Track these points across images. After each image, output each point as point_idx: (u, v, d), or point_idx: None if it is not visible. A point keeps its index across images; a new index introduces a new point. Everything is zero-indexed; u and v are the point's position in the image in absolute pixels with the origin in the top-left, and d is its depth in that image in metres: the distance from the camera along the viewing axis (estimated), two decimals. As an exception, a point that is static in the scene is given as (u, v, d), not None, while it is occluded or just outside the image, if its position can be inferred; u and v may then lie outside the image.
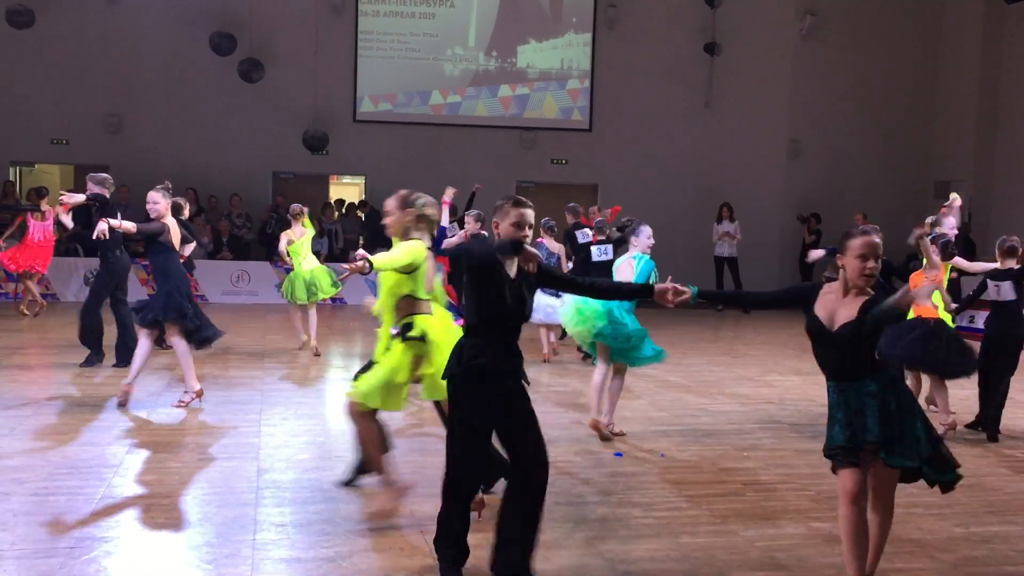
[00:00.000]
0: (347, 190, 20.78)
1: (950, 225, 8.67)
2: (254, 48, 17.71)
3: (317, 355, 10.79)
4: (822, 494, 5.85)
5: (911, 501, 5.78)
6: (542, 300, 10.70)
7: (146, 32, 17.63)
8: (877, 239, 3.95)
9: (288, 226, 11.33)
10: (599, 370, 7.13)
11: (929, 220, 8.82)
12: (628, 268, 7.06)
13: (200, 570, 4.35)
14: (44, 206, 13.57)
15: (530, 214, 4.09)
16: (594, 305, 6.88)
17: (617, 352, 7.02)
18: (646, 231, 7.13)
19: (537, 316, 10.66)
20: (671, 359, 11.10)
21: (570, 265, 11.41)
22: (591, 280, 4.60)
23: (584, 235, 11.54)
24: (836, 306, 3.98)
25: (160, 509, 5.24)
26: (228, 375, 9.49)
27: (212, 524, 4.98)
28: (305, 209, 11.17)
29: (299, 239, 10.96)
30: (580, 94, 19.22)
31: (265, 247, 17.06)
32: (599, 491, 5.80)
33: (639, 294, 4.35)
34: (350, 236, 18.18)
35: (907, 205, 19.25)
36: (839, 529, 4.03)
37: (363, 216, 18.35)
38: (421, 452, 6.65)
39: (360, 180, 20.00)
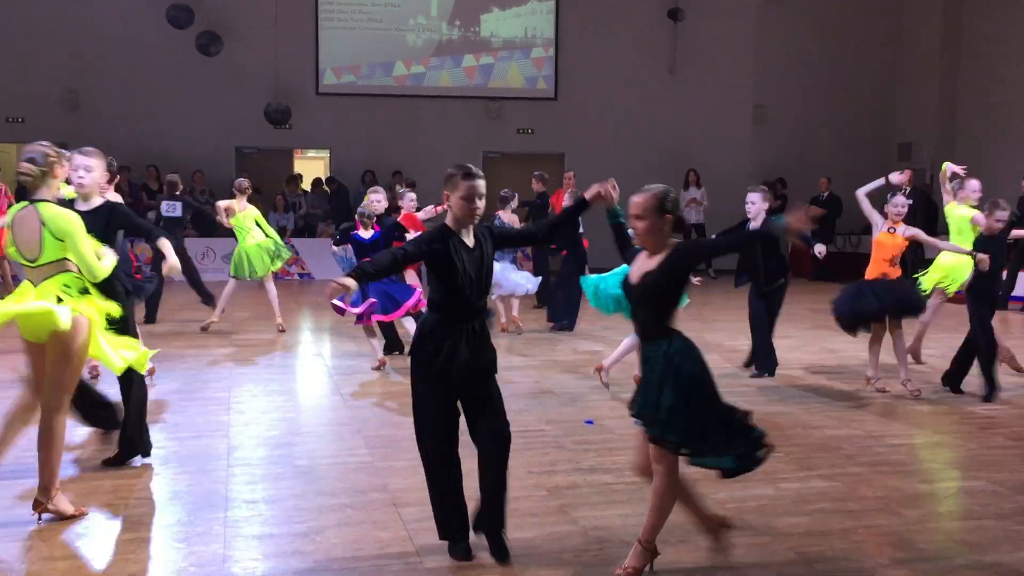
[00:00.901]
0: (312, 164, 20.58)
1: (973, 188, 8.72)
2: (212, 21, 17.42)
3: (282, 331, 10.73)
4: (790, 455, 5.92)
5: (876, 459, 5.89)
6: (512, 276, 10.66)
7: (102, 5, 17.26)
8: (636, 198, 3.93)
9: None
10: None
11: (954, 184, 8.87)
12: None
13: (172, 548, 4.33)
14: None
15: (481, 185, 4.04)
16: (608, 289, 7.32)
17: None
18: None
19: (501, 290, 10.63)
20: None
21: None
22: (538, 226, 4.69)
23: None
24: (643, 263, 3.99)
25: (131, 488, 5.20)
26: (196, 353, 9.41)
27: (183, 502, 4.95)
28: (248, 185, 11.00)
29: (241, 213, 10.74)
30: (545, 63, 19.11)
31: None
32: (570, 459, 5.83)
33: (580, 210, 4.39)
34: (316, 211, 18.03)
35: (871, 168, 19.35)
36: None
37: (330, 191, 18.19)
38: (392, 425, 6.65)
39: (324, 154, 19.80)
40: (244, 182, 10.94)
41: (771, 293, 8.25)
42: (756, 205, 8.10)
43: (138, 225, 5.70)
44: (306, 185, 18.73)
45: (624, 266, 7.59)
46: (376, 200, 9.04)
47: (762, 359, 8.39)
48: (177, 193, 11.82)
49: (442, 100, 18.72)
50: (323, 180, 18.61)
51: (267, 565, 4.17)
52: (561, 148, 18.96)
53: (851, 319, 7.74)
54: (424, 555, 4.25)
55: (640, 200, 3.92)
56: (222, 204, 10.89)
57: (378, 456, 5.83)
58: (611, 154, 18.49)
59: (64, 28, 17.11)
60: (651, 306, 3.94)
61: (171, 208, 11.54)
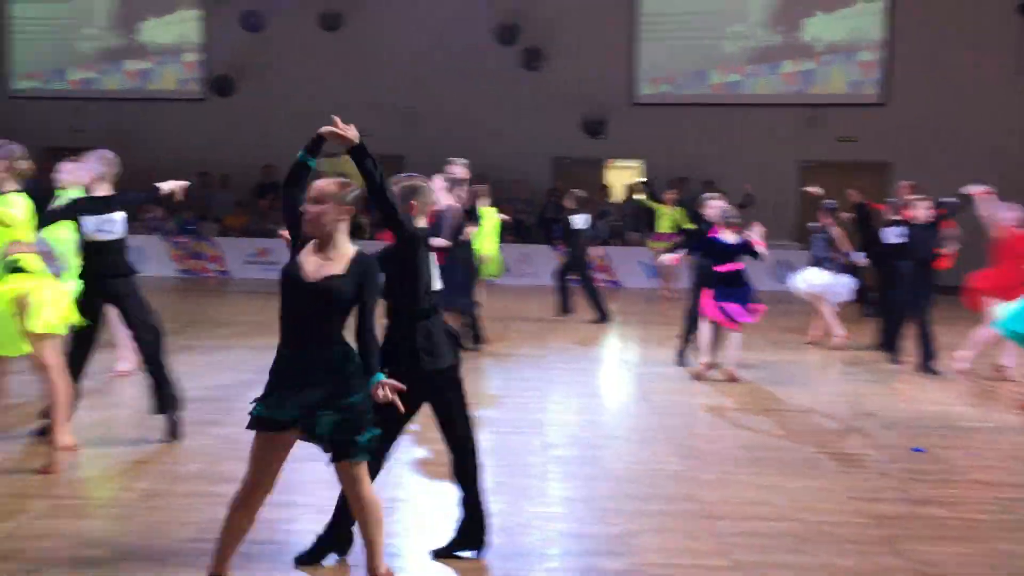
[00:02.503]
0: (622, 174, 20.87)
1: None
2: (536, 37, 18.22)
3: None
4: None
5: None
6: (818, 276, 10.22)
7: (438, 26, 18.63)
8: (319, 182, 3.68)
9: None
10: None
11: None
12: None
13: (496, 534, 4.55)
14: None
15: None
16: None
17: None
18: None
19: (814, 291, 10.21)
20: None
21: (861, 255, 10.67)
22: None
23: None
24: (314, 260, 3.68)
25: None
26: (512, 352, 9.85)
27: (503, 493, 5.16)
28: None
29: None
30: (872, 66, 18.03)
31: (544, 230, 17.53)
32: (897, 487, 5.44)
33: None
34: (615, 222, 18.18)
35: None
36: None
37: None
38: (700, 437, 6.56)
39: (634, 163, 20.01)
40: (483, 188, 10.81)
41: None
42: None
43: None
44: (610, 195, 19.04)
45: None
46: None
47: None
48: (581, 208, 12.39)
49: (758, 108, 18.25)
50: (634, 187, 18.81)
51: (582, 562, 4.27)
52: (887, 157, 17.75)
53: None
54: (738, 569, 4.15)
55: (323, 183, 3.70)
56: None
57: (688, 466, 5.77)
58: (944, 163, 17.01)
59: (406, 48, 18.64)
60: (328, 312, 3.64)
61: (584, 221, 12.34)
